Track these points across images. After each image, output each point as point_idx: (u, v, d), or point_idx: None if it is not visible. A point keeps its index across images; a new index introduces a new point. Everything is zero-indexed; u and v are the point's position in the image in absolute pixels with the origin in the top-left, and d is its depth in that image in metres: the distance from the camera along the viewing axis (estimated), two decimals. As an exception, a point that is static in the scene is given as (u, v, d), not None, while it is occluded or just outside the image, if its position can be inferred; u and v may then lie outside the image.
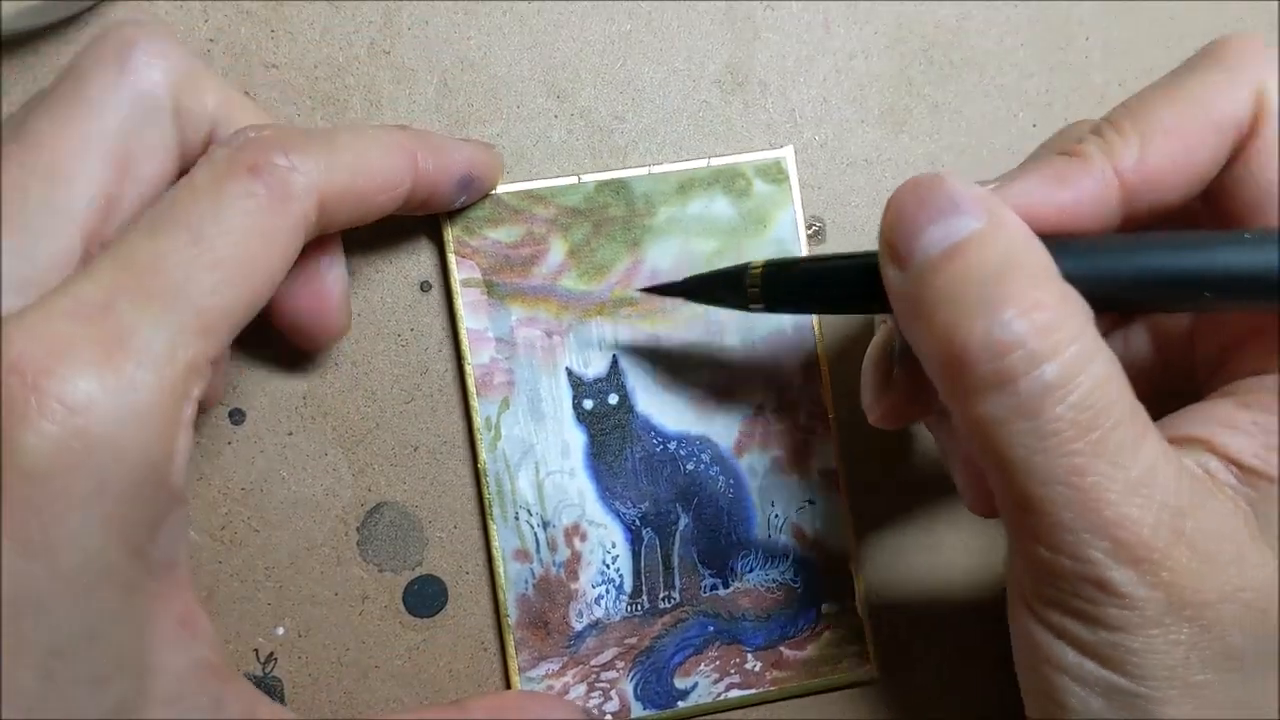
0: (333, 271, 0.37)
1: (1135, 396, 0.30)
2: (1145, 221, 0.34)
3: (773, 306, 0.38)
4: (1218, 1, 0.45)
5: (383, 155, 0.35)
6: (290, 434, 0.40)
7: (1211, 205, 0.34)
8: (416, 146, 0.36)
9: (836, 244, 0.43)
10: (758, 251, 0.42)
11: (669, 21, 0.42)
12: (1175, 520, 0.29)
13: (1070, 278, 0.31)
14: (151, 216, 0.30)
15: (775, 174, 0.42)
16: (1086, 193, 0.32)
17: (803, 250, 0.43)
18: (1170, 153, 0.32)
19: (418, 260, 0.40)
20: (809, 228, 0.43)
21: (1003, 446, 0.30)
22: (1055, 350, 0.29)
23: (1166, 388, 0.35)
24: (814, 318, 0.43)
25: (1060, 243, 0.32)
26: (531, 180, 0.41)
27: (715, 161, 0.42)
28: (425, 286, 0.41)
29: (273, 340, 0.39)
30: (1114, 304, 0.32)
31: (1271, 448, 0.31)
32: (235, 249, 0.30)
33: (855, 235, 0.43)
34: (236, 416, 0.40)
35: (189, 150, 0.34)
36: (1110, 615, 0.30)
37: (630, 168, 0.42)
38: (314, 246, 0.36)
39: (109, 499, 0.27)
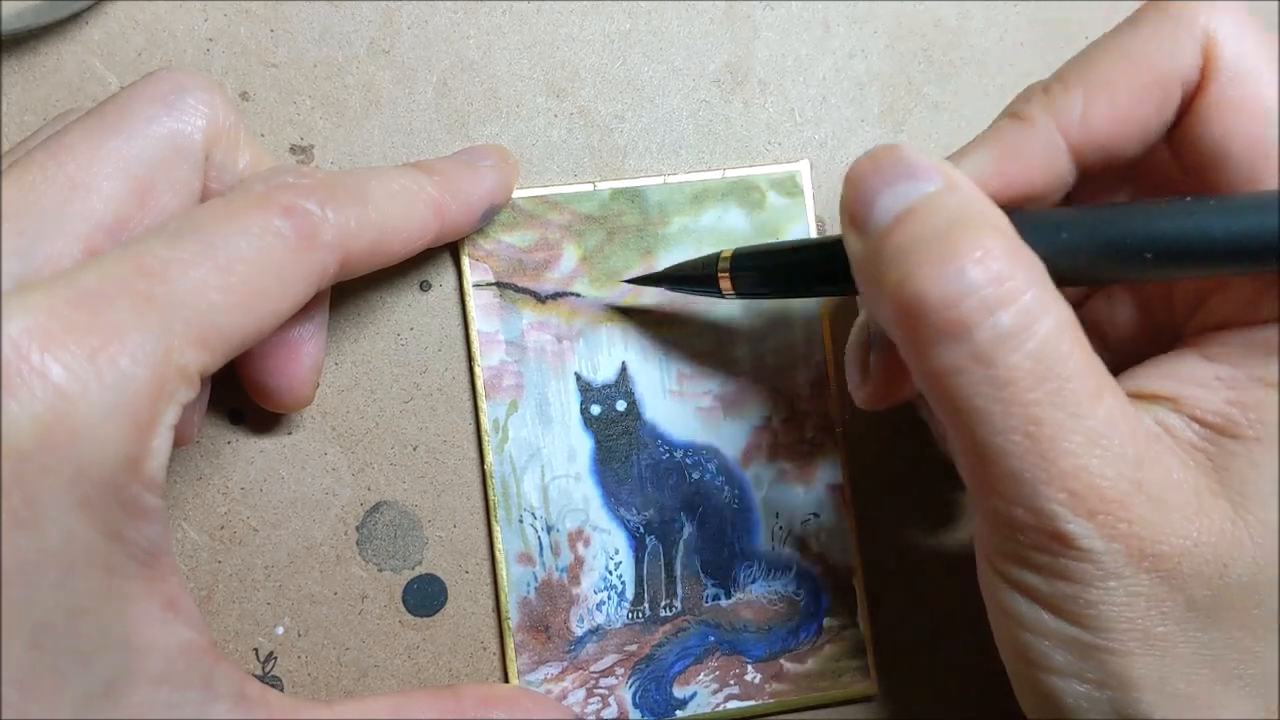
0: (311, 342, 0.37)
1: (1091, 350, 0.30)
2: (1103, 175, 0.34)
3: (744, 293, 0.39)
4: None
5: (410, 211, 0.36)
6: (290, 433, 0.40)
7: (1177, 158, 0.34)
8: (442, 195, 0.37)
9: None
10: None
11: (669, 21, 0.42)
12: (1134, 472, 0.29)
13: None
14: (175, 225, 0.30)
15: (790, 188, 0.42)
16: (1035, 160, 0.33)
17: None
18: (1114, 109, 0.32)
19: (417, 260, 0.40)
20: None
21: (960, 396, 0.30)
22: (1010, 298, 0.29)
23: (1153, 346, 0.35)
24: (824, 328, 0.43)
25: (1009, 215, 0.32)
26: (547, 186, 0.41)
27: (730, 173, 0.42)
28: (424, 286, 0.41)
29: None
30: (1067, 276, 0.32)
31: (1234, 403, 0.31)
32: (248, 279, 0.30)
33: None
34: (236, 416, 0.40)
35: (210, 199, 0.34)
36: (1069, 568, 0.30)
37: (645, 176, 0.42)
38: (301, 312, 0.36)
39: (87, 484, 0.27)
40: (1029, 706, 0.34)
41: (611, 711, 0.41)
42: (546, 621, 0.41)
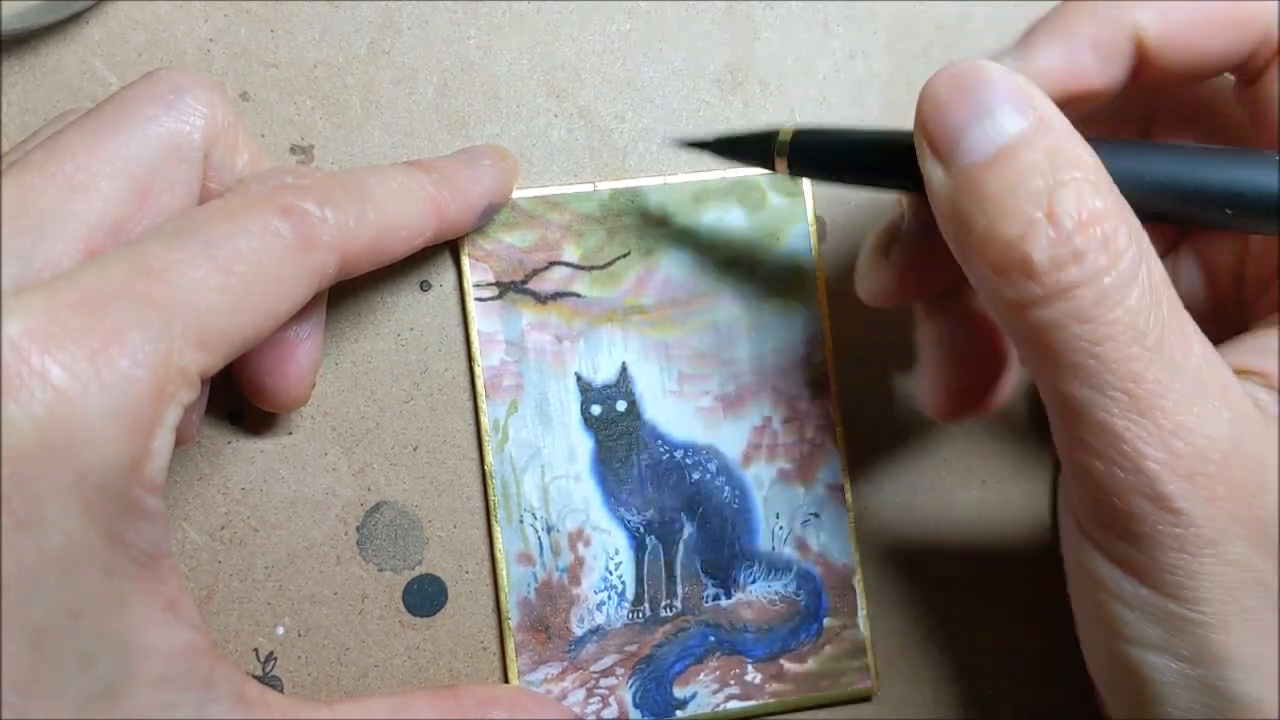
0: (307, 342, 0.37)
1: (1179, 301, 0.30)
2: (1149, 97, 0.34)
3: (798, 170, 0.38)
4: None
5: (408, 208, 0.36)
6: (290, 434, 0.40)
7: (1251, 113, 0.34)
8: (441, 193, 0.37)
9: (838, 243, 0.43)
10: (770, 263, 0.42)
11: (669, 21, 0.42)
12: (1231, 430, 0.29)
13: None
14: (174, 226, 0.30)
15: (790, 188, 0.43)
16: (1105, 51, 0.32)
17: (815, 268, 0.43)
18: (1192, 19, 0.32)
19: (418, 260, 0.40)
20: None
21: (1057, 350, 0.30)
22: (1114, 259, 0.29)
23: (1217, 321, 0.35)
24: (826, 328, 0.42)
25: (1094, 144, 0.32)
26: (547, 186, 0.41)
27: (730, 173, 0.42)
28: (425, 286, 0.41)
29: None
30: (1146, 213, 0.32)
31: None
32: (248, 280, 0.30)
33: (855, 235, 0.43)
34: (236, 417, 0.40)
35: (209, 199, 0.34)
36: (1165, 534, 0.30)
37: (645, 176, 0.42)
38: (298, 312, 0.36)
39: (88, 486, 0.27)
40: (1103, 678, 0.34)
41: (612, 711, 0.41)
42: (546, 621, 0.41)
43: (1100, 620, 0.32)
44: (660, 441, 0.42)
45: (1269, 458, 0.30)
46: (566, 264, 0.41)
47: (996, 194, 0.30)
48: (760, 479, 0.42)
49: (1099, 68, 0.33)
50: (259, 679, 0.39)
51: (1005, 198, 0.30)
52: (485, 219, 0.40)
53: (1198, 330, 0.30)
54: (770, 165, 0.38)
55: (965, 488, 0.44)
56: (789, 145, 0.37)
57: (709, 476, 0.42)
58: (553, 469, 0.41)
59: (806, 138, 0.37)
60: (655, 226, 0.42)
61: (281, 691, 0.39)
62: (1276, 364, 0.31)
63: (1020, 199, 0.29)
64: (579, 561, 0.41)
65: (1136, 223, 0.30)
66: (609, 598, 0.41)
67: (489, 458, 0.40)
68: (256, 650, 0.40)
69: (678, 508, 0.42)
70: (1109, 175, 0.30)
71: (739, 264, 0.42)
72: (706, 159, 0.40)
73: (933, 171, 0.32)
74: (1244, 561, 0.29)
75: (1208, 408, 0.29)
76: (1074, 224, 0.29)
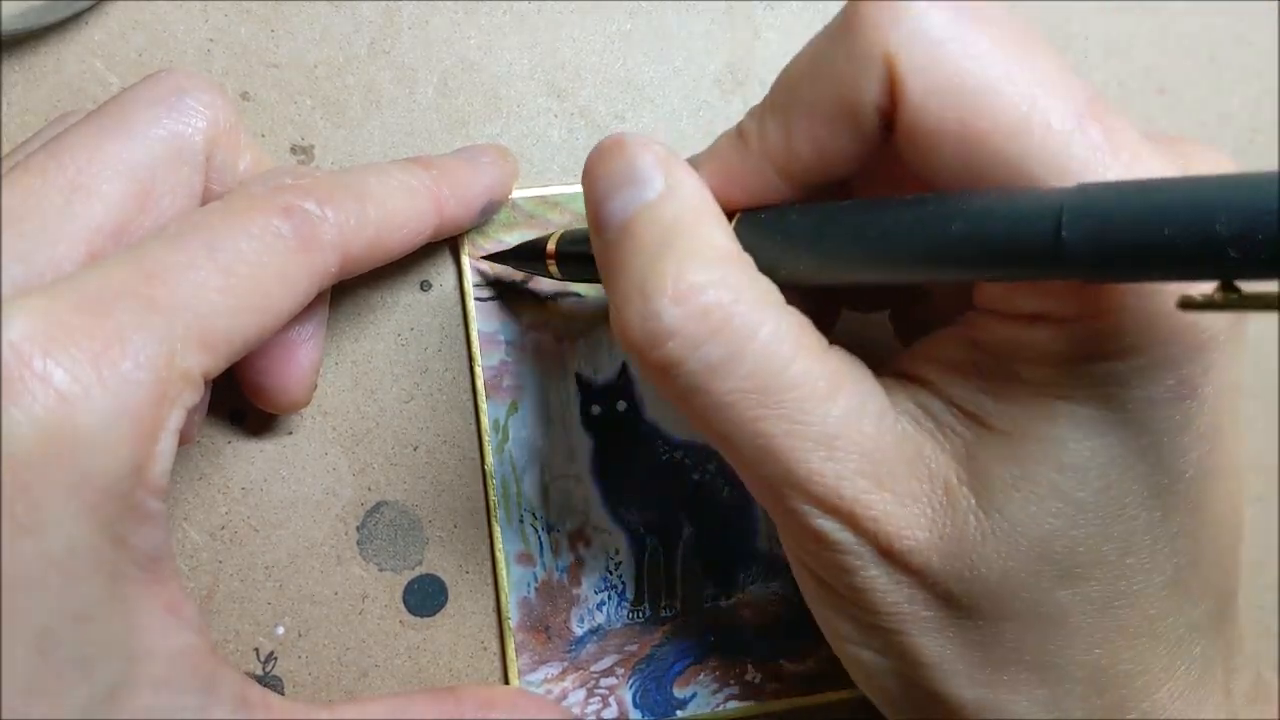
0: (309, 343, 0.37)
1: (823, 349, 0.30)
2: (828, 190, 0.33)
3: (569, 275, 0.38)
4: (1217, 1, 0.46)
5: (408, 206, 0.36)
6: (290, 433, 0.40)
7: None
8: (440, 189, 0.37)
9: (838, 243, 0.43)
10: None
11: (669, 21, 0.42)
12: (874, 468, 0.30)
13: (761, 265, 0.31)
14: (175, 229, 0.30)
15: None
16: (749, 181, 0.32)
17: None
18: (814, 139, 0.30)
19: (418, 259, 0.40)
20: None
21: (694, 416, 0.30)
22: (716, 331, 0.29)
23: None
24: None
25: (740, 216, 0.32)
26: (547, 186, 0.41)
27: None
28: (425, 286, 0.41)
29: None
30: (798, 276, 0.31)
31: (986, 391, 0.30)
32: (249, 281, 0.30)
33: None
34: (237, 417, 0.40)
35: (211, 201, 0.34)
36: (833, 560, 0.31)
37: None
38: (300, 312, 0.35)
39: (90, 489, 0.27)
40: (849, 670, 0.35)
41: (612, 711, 0.41)
42: (547, 621, 0.41)
43: (820, 621, 0.34)
44: (661, 441, 0.42)
45: (923, 482, 0.30)
46: None
47: (618, 265, 0.30)
48: (760, 479, 0.42)
49: (753, 198, 0.32)
50: (259, 679, 0.39)
51: (622, 270, 0.30)
52: (485, 216, 0.40)
53: (846, 373, 0.30)
54: (547, 272, 0.38)
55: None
56: (556, 248, 0.38)
57: (709, 476, 0.42)
58: (553, 469, 0.41)
59: (569, 241, 0.38)
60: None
61: (282, 692, 0.40)
62: (942, 372, 0.31)
63: (630, 273, 0.30)
64: (579, 561, 0.41)
65: (756, 286, 0.30)
66: (609, 598, 0.41)
67: (489, 458, 0.40)
68: (257, 650, 0.40)
69: (678, 508, 0.42)
70: (730, 239, 0.30)
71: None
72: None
73: (595, 248, 0.32)
74: (907, 581, 0.30)
75: (845, 451, 0.29)
76: (667, 300, 0.29)
